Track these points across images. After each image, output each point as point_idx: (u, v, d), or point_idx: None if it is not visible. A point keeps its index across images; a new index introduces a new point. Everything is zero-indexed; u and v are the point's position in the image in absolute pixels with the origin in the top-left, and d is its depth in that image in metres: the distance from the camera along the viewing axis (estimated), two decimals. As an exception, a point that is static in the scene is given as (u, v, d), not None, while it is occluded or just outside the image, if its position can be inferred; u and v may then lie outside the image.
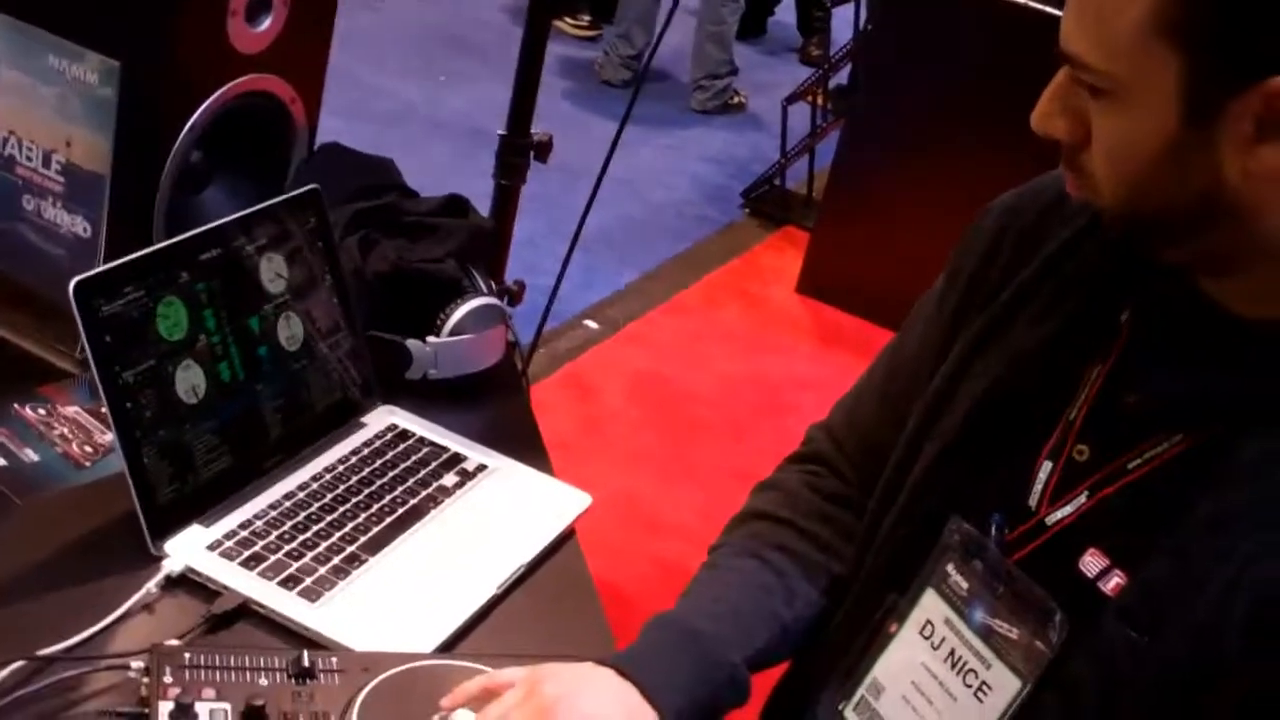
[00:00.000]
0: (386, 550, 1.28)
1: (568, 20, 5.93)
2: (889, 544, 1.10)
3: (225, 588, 1.19)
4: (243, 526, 1.25)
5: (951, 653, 1.03)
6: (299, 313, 1.37)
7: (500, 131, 2.21)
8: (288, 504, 1.29)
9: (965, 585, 1.03)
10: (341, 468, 1.37)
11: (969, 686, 1.02)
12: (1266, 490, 0.88)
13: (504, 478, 1.43)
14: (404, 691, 1.10)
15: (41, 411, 1.38)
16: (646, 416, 3.58)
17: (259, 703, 1.03)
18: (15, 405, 1.37)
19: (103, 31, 1.43)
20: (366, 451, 1.40)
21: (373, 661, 1.12)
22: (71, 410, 1.38)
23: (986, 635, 1.01)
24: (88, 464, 1.32)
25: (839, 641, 1.14)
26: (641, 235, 4.49)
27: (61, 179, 1.49)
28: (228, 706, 1.04)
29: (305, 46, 1.62)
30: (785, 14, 6.74)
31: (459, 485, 1.39)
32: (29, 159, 1.51)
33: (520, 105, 2.19)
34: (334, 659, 1.11)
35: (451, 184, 1.70)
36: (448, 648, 1.19)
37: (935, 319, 1.14)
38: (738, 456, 3.32)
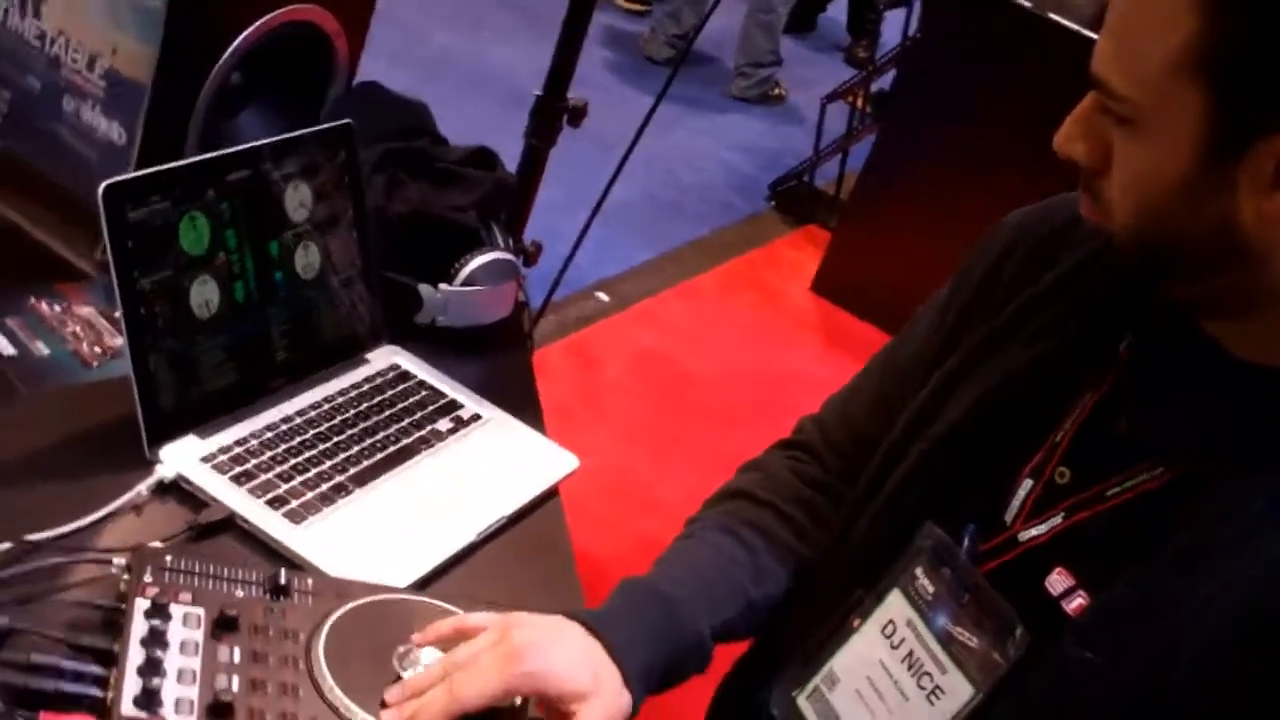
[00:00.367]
0: (373, 484, 1.30)
1: (620, -7, 5.94)
2: (863, 540, 1.12)
3: (213, 499, 1.21)
4: (238, 444, 1.27)
5: (910, 654, 1.05)
6: (318, 243, 1.39)
7: (537, 92, 2.23)
8: (284, 428, 1.32)
9: (932, 590, 1.05)
10: (340, 400, 1.39)
11: (923, 689, 1.04)
12: (1237, 533, 0.89)
13: (497, 430, 1.45)
14: (374, 621, 1.12)
15: (57, 308, 1.40)
16: (646, 394, 3.60)
17: (232, 613, 1.06)
18: (32, 298, 1.40)
19: (160, -58, 1.45)
20: (367, 387, 1.42)
21: (347, 588, 1.14)
22: (86, 310, 1.41)
23: (946, 641, 1.03)
24: (95, 364, 1.35)
25: (800, 629, 1.16)
26: (664, 215, 4.51)
27: (103, 84, 1.52)
28: (201, 612, 1.06)
29: (356, -17, 1.64)
30: (837, 12, 6.73)
31: (452, 432, 1.41)
32: (75, 60, 1.53)
33: (560, 67, 2.20)
34: (309, 581, 1.13)
35: (483, 138, 1.72)
36: (421, 586, 1.22)
37: (937, 324, 1.15)
38: (732, 444, 3.32)
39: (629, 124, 2.68)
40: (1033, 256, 1.08)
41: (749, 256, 4.45)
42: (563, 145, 2.30)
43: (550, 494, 1.41)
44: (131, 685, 0.97)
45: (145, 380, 1.21)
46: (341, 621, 1.10)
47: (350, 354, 1.46)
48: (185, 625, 1.04)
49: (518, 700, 1.07)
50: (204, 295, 1.26)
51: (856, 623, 1.10)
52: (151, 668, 0.99)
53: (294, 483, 1.26)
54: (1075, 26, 3.46)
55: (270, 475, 1.25)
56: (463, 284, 1.53)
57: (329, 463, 1.30)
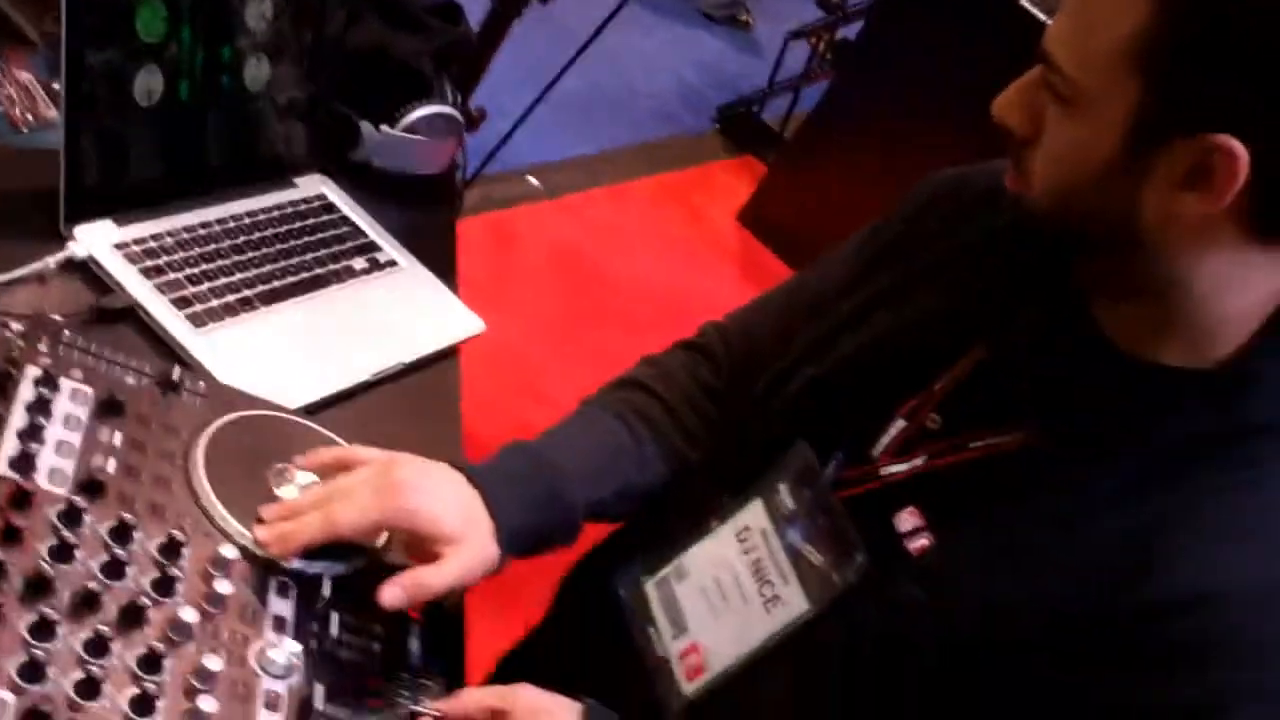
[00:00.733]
0: (280, 306, 1.32)
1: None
2: (739, 449, 1.16)
3: (119, 286, 1.23)
4: (154, 238, 1.28)
5: (758, 561, 1.11)
6: (270, 58, 1.39)
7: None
8: (202, 232, 1.33)
9: (791, 506, 1.10)
10: (263, 217, 1.40)
11: (763, 595, 1.09)
12: (1081, 506, 0.94)
13: (410, 279, 1.47)
14: (257, 435, 1.15)
15: (-4, 68, 1.39)
16: (556, 286, 3.62)
17: (120, 398, 1.07)
18: (-28, 54, 1.38)
19: None
20: (290, 211, 1.43)
21: (236, 398, 1.17)
22: (25, 77, 1.40)
23: (794, 556, 1.08)
24: (25, 130, 1.34)
25: (663, 522, 1.20)
26: (610, 114, 4.50)
27: None
28: (90, 391, 1.08)
29: None
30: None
31: (366, 272, 1.43)
32: None
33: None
34: (201, 383, 1.15)
35: (451, -5, 1.72)
36: (309, 412, 1.24)
37: (851, 262, 1.19)
38: (631, 350, 3.35)
39: (594, 18, 2.68)
40: (953, 214, 1.12)
41: (684, 173, 4.46)
42: (528, 23, 2.29)
43: (450, 352, 1.44)
44: (9, 446, 0.99)
45: (74, 154, 1.22)
46: (226, 428, 1.13)
47: (280, 175, 1.47)
48: (72, 400, 1.06)
49: (383, 539, 1.11)
50: (148, 84, 1.26)
51: (715, 524, 1.14)
52: (32, 434, 1.01)
53: (202, 287, 1.27)
54: (1037, 13, 3.50)
55: (180, 275, 1.27)
56: (404, 130, 1.54)
57: (240, 275, 1.31)
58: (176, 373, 1.13)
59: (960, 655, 0.96)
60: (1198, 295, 0.92)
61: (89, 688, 0.89)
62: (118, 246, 1.25)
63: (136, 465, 1.05)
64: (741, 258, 4.19)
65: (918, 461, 1.03)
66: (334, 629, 1.02)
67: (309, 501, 1.07)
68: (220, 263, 1.31)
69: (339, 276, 1.40)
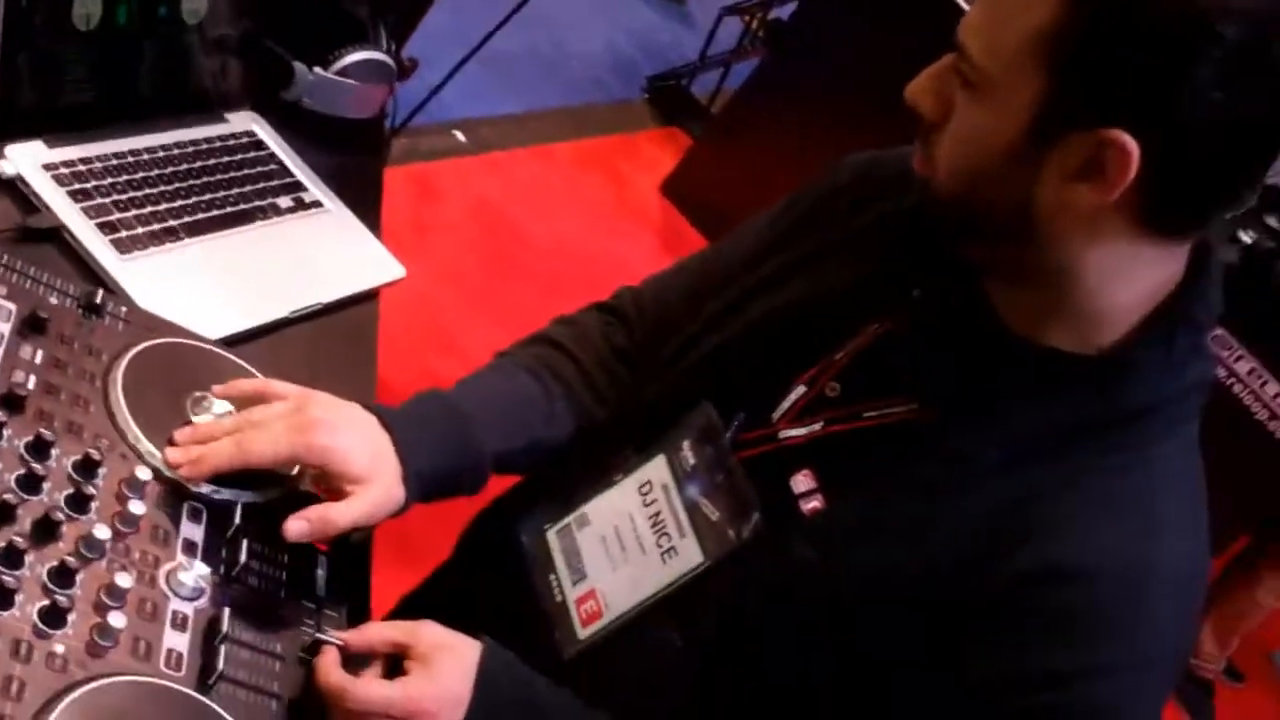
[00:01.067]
0: (204, 238, 1.34)
1: None
2: (645, 407, 1.21)
3: (46, 207, 1.23)
4: (83, 162, 1.29)
5: (657, 514, 1.15)
6: (209, -8, 1.40)
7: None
8: (131, 160, 1.34)
9: (692, 462, 1.14)
10: (192, 150, 1.41)
11: (660, 547, 1.13)
12: (968, 475, 1.00)
13: (334, 221, 1.49)
14: (176, 362, 1.17)
15: (-74, -21, 1.38)
16: (475, 242, 3.64)
17: (44, 315, 1.09)
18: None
19: None
20: (219, 145, 1.45)
21: (158, 325, 1.18)
22: (-42, -9, 1.39)
23: (692, 510, 1.13)
24: (-44, 45, 1.33)
25: (566, 474, 1.24)
26: (540, 74, 4.51)
27: None
28: (13, 308, 1.09)
29: None
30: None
31: (291, 211, 1.45)
32: None
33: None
34: (124, 309, 1.17)
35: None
36: (227, 344, 1.26)
37: (764, 234, 1.24)
38: (544, 311, 3.37)
39: (537, -24, 2.69)
40: (864, 194, 1.17)
41: (610, 139, 4.49)
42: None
43: (370, 296, 1.46)
44: (-70, 355, 1.01)
45: (8, 75, 1.22)
46: (146, 353, 1.15)
47: (211, 109, 1.48)
48: (-6, 314, 1.07)
49: (294, 471, 1.14)
50: (87, 8, 1.27)
51: (619, 477, 1.18)
52: (-47, 344, 1.02)
53: (128, 214, 1.29)
54: (966, 7, 3.57)
55: (107, 200, 1.28)
56: (336, 73, 1.56)
57: (166, 205, 1.33)
58: (100, 296, 1.14)
59: (844, 613, 1.01)
60: (1086, 284, 0.97)
61: (1, 596, 0.91)
62: (46, 167, 1.26)
63: (56, 384, 1.07)
64: (662, 227, 4.23)
65: (815, 427, 1.08)
66: (243, 556, 1.05)
67: (221, 428, 1.09)
68: (148, 191, 1.32)
69: (264, 213, 1.42)
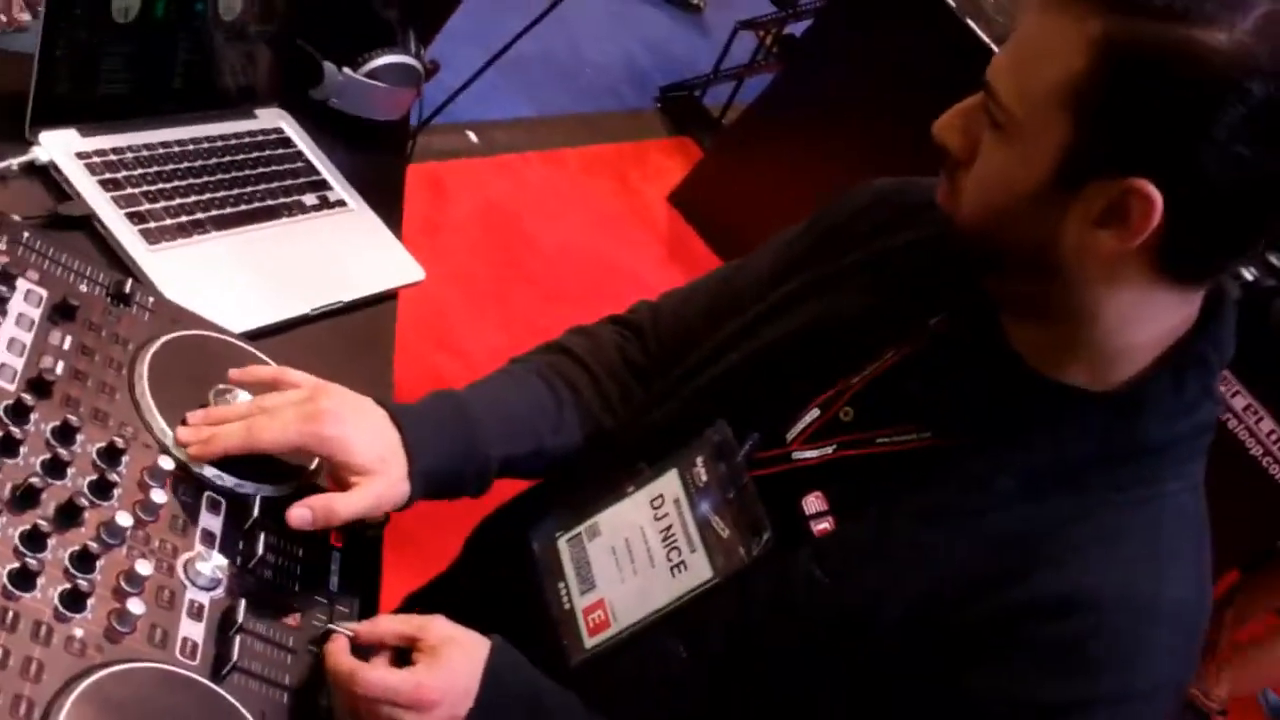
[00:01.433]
0: (231, 233, 1.35)
1: None
2: (660, 423, 1.22)
3: (78, 195, 1.25)
4: (115, 152, 1.31)
5: (668, 528, 1.16)
6: (245, -11, 1.42)
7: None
8: (162, 152, 1.35)
9: (705, 478, 1.15)
10: (221, 144, 1.43)
11: (669, 561, 1.15)
12: (978, 503, 1.01)
13: (357, 221, 1.51)
14: (200, 353, 1.18)
15: (-29, -35, 1.39)
16: (483, 243, 3.65)
17: (74, 303, 1.10)
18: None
19: None
20: (248, 141, 1.46)
21: (183, 316, 1.20)
22: (-1, -24, 1.40)
23: (703, 526, 1.14)
24: (-4, 31, 1.35)
25: (578, 483, 1.25)
26: (554, 79, 4.52)
27: None
28: (44, 293, 1.11)
29: None
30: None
31: (316, 209, 1.47)
32: None
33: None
34: (151, 299, 1.18)
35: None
36: (249, 338, 1.28)
37: (784, 254, 1.26)
38: (548, 316, 3.42)
39: (554, -18, 2.70)
40: (884, 222, 1.18)
41: (620, 147, 4.50)
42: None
43: (389, 296, 1.48)
44: (-38, 338, 1.02)
45: (47, 60, 1.23)
46: (171, 344, 1.16)
47: (241, 105, 1.49)
48: (26, 301, 1.09)
49: (313, 465, 1.15)
50: (126, 2, 1.28)
51: (630, 489, 1.20)
52: (-15, 328, 1.03)
53: (157, 205, 1.30)
54: (985, 39, 3.59)
55: (137, 191, 1.29)
56: (366, 75, 1.57)
57: (195, 198, 1.34)
58: (129, 285, 1.16)
59: (852, 633, 1.03)
60: (1104, 324, 0.99)
61: (24, 578, 0.92)
62: (79, 155, 1.27)
63: (84, 370, 1.09)
64: (668, 238, 4.24)
65: (828, 450, 1.10)
66: (260, 548, 1.07)
67: (233, 412, 1.11)
68: (177, 183, 1.34)
69: (289, 210, 1.44)
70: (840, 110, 3.93)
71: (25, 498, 0.97)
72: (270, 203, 1.42)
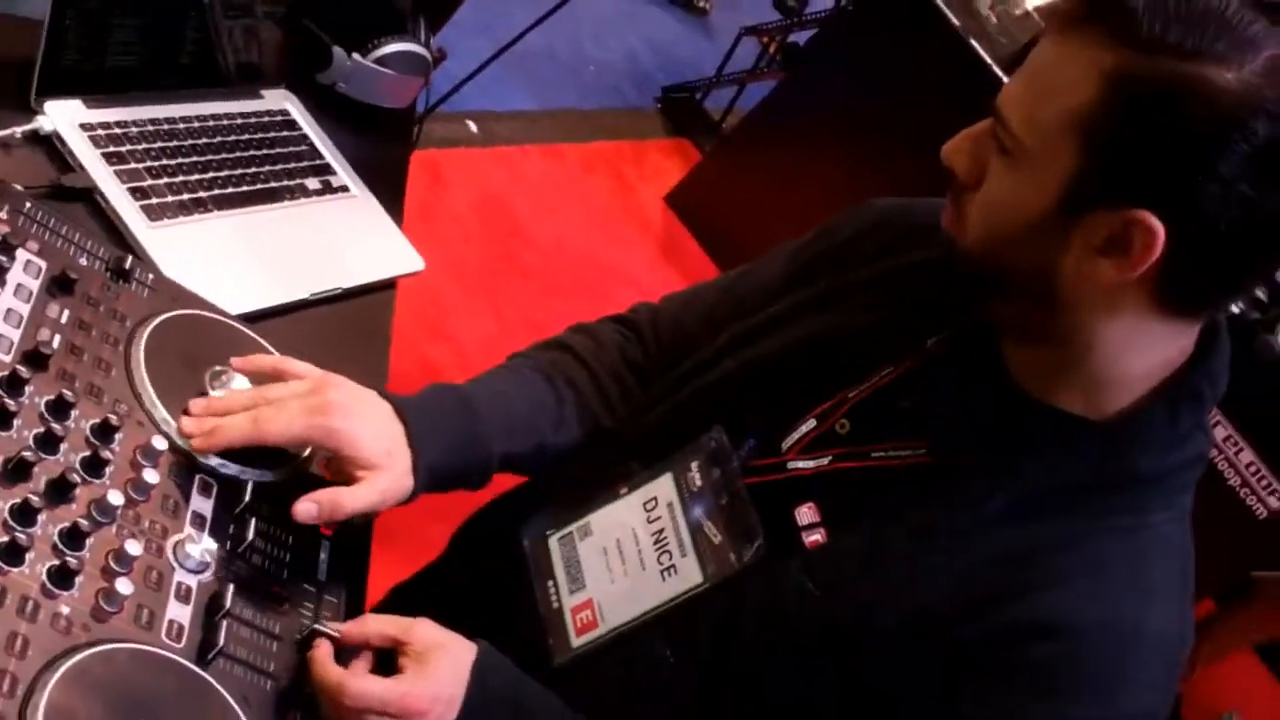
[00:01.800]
0: (232, 212, 1.35)
1: None
2: (656, 424, 1.22)
3: (81, 167, 1.24)
4: (119, 125, 1.30)
5: (660, 531, 1.16)
6: (258, -32, 1.41)
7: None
8: (167, 127, 1.35)
9: (699, 483, 1.15)
10: (226, 122, 1.42)
11: (660, 564, 1.15)
12: (971, 521, 1.02)
13: (360, 208, 1.50)
14: (198, 334, 1.17)
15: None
16: (478, 233, 3.64)
17: (72, 276, 1.09)
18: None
19: None
20: (254, 121, 1.45)
21: (183, 295, 1.19)
22: (10, -58, 1.39)
23: (695, 530, 1.14)
24: (5, -4, 1.34)
25: (571, 481, 1.25)
26: (557, 74, 4.52)
27: None
28: (44, 265, 1.09)
29: None
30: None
31: (319, 193, 1.46)
32: None
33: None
34: (150, 276, 1.17)
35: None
36: (247, 320, 1.27)
37: (787, 266, 1.26)
38: (540, 310, 3.43)
39: (562, -23, 2.69)
40: (888, 242, 1.19)
41: (620, 145, 4.50)
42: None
43: (388, 285, 1.47)
44: (-41, 306, 1.01)
45: (56, 31, 1.22)
46: (170, 322, 1.15)
47: (248, 84, 1.48)
48: (25, 271, 1.08)
49: (306, 453, 1.14)
50: (139, -25, 1.27)
51: (624, 490, 1.19)
52: (-18, 297, 1.02)
53: (160, 181, 1.29)
54: (989, 60, 3.59)
55: (140, 166, 1.28)
56: (375, 61, 1.56)
57: (197, 176, 1.33)
58: (129, 261, 1.15)
59: (838, 647, 1.03)
60: (1101, 353, 0.99)
61: (12, 553, 0.91)
62: (84, 127, 1.26)
63: (80, 344, 1.08)
64: (663, 238, 4.24)
65: (823, 461, 1.10)
66: (250, 533, 1.06)
67: (237, 402, 1.10)
68: (180, 160, 1.33)
69: (292, 193, 1.43)
70: (840, 122, 3.94)
71: (17, 471, 0.96)
72: (273, 185, 1.41)
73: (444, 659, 1.04)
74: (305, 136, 1.50)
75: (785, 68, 4.79)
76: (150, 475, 1.03)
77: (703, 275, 3.64)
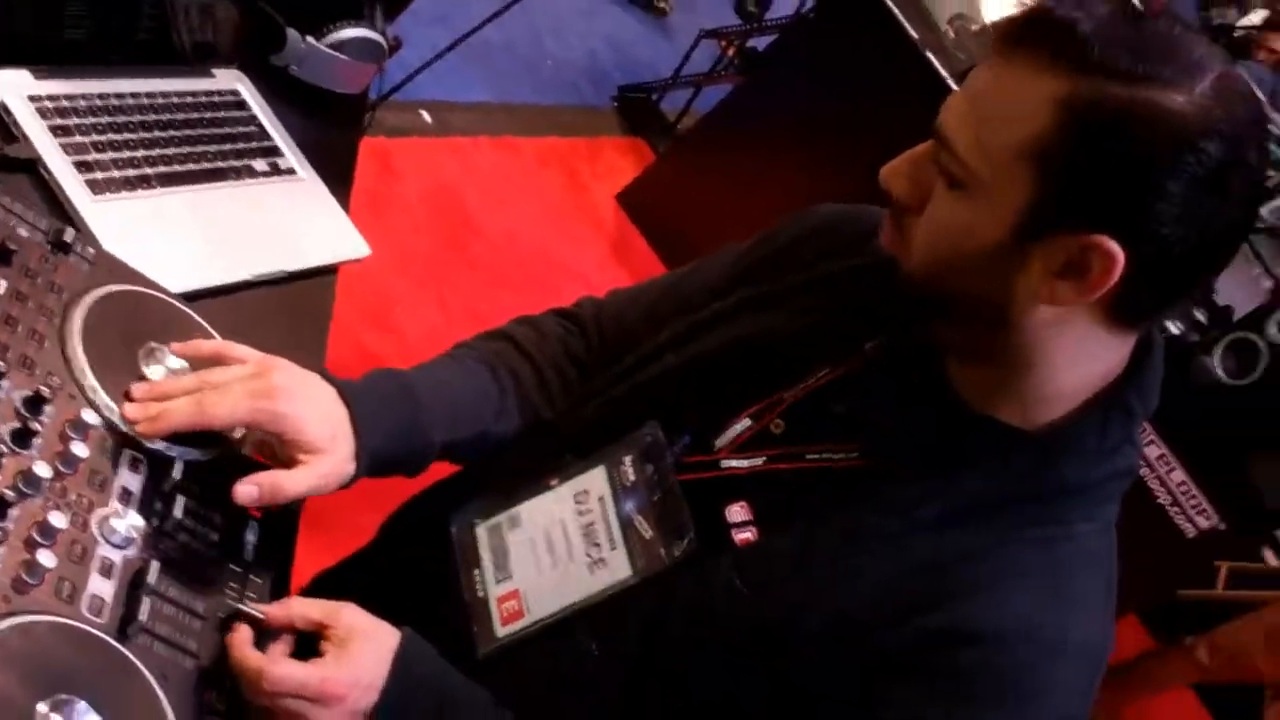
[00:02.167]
0: (177, 190, 1.34)
1: None
2: (593, 417, 1.23)
3: (26, 138, 1.23)
4: (68, 98, 1.29)
5: (590, 524, 1.17)
6: (213, -53, 1.41)
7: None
8: (115, 102, 1.34)
9: (632, 478, 1.16)
10: (176, 100, 1.41)
11: (589, 557, 1.15)
12: (900, 526, 1.03)
13: (306, 191, 1.50)
14: (135, 310, 1.17)
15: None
16: (427, 223, 3.63)
17: (11, 247, 1.09)
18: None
19: None
20: (204, 100, 1.45)
21: (122, 271, 1.19)
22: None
23: (626, 525, 1.14)
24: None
25: (506, 473, 1.25)
26: (514, 68, 4.51)
27: None
28: (-18, 230, 1.09)
29: None
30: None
31: (266, 175, 1.46)
32: None
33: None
34: (91, 250, 1.17)
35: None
36: (186, 299, 1.26)
37: (731, 266, 1.27)
38: (486, 303, 3.42)
39: (523, -29, 2.70)
40: (830, 245, 1.20)
41: (574, 142, 4.50)
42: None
43: (331, 270, 1.47)
44: (-108, 271, 1.00)
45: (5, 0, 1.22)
46: (107, 298, 1.15)
47: (200, 63, 1.47)
48: (-39, 239, 1.07)
49: (239, 434, 1.14)
50: (93, -54, 1.27)
51: (555, 482, 1.20)
52: (-85, 265, 1.02)
53: (105, 156, 1.29)
54: (945, 74, 3.63)
55: (86, 140, 1.28)
56: (329, 46, 1.56)
57: (144, 153, 1.33)
58: (70, 234, 1.14)
59: (765, 645, 1.04)
60: (1045, 368, 1.01)
61: (-65, 520, 0.91)
62: (31, 98, 1.26)
63: (15, 315, 1.07)
64: (613, 236, 4.25)
65: (757, 461, 1.11)
66: (178, 511, 1.06)
67: (181, 387, 1.09)
68: (127, 136, 1.32)
69: (238, 174, 1.42)
70: (795, 129, 3.95)
71: (-57, 439, 0.95)
72: (220, 164, 1.41)
73: (366, 645, 1.04)
74: (255, 117, 1.50)
75: (743, 72, 4.81)
76: (79, 449, 1.02)
77: (651, 275, 3.58)
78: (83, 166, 1.25)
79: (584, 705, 1.11)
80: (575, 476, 1.19)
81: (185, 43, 1.44)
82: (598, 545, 1.15)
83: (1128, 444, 1.06)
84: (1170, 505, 3.71)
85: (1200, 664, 3.42)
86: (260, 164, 1.46)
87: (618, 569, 1.13)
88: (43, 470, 0.98)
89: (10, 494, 0.95)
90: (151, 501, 1.06)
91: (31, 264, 1.11)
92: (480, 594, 1.18)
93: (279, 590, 1.13)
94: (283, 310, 1.39)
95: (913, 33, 3.67)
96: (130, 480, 1.06)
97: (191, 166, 1.37)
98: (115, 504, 1.04)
